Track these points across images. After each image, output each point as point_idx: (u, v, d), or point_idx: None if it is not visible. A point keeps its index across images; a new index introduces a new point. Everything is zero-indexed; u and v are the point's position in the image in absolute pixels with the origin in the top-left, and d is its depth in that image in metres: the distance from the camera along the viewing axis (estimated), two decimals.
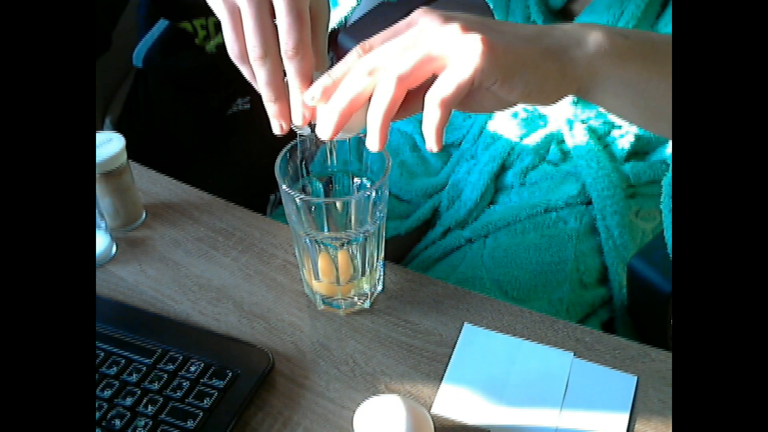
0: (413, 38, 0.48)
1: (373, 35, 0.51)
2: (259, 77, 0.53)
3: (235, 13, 0.52)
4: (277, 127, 0.54)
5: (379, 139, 0.48)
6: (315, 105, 0.51)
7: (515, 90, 0.48)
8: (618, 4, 0.76)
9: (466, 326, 0.64)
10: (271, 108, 0.54)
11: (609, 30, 0.49)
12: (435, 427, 0.55)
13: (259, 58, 0.52)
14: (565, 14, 0.84)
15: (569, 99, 0.85)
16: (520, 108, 0.91)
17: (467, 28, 0.47)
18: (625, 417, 0.57)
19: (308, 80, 0.52)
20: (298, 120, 0.53)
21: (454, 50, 0.46)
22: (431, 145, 0.47)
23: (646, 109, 0.52)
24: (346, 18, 0.82)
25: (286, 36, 0.51)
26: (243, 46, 0.53)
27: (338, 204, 0.61)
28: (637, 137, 0.85)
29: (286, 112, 0.54)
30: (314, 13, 0.54)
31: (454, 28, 0.47)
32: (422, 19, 0.49)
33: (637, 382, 0.59)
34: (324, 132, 0.50)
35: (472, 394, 0.59)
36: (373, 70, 0.48)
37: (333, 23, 0.81)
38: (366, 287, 0.65)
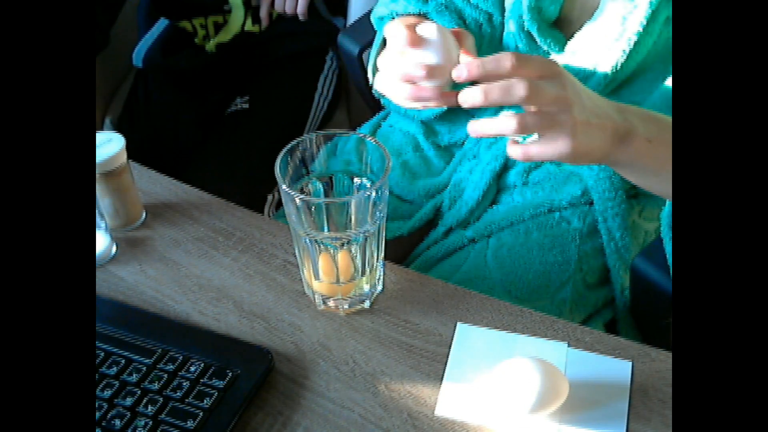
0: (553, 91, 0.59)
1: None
2: None
3: None
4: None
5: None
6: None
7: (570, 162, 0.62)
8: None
9: (460, 326, 0.64)
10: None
11: (640, 131, 0.63)
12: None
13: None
14: (558, 24, 0.84)
15: None
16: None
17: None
18: (624, 402, 0.58)
19: None
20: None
21: (555, 129, 0.60)
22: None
23: (648, 186, 0.70)
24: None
25: None
26: None
27: (338, 204, 0.61)
28: None
29: None
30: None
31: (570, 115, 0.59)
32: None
33: (633, 367, 0.60)
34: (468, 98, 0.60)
35: (473, 393, 0.59)
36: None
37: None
38: (366, 287, 0.65)
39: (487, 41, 0.88)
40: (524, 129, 0.59)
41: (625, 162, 0.65)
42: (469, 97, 0.60)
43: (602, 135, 0.61)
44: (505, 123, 0.60)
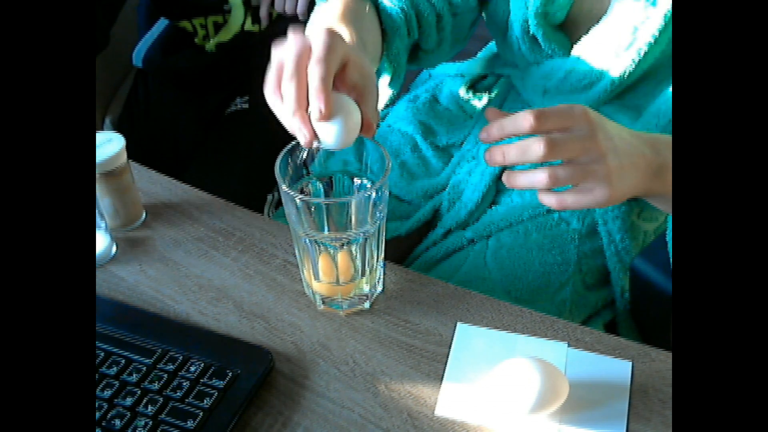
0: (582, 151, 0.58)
1: None
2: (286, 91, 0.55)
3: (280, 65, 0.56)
4: (302, 138, 0.56)
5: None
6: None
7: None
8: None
9: (460, 326, 0.64)
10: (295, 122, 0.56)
11: (672, 163, 0.61)
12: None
13: (289, 77, 0.55)
14: (562, 27, 0.83)
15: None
16: None
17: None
18: (624, 402, 0.58)
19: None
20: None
21: (589, 180, 0.59)
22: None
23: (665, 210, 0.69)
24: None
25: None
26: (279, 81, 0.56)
27: (338, 204, 0.61)
28: None
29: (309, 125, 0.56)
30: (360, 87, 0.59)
31: (604, 168, 0.58)
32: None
33: (633, 367, 0.60)
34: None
35: (473, 393, 0.59)
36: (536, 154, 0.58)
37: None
38: (366, 287, 0.65)
39: (450, 30, 0.85)
40: (556, 182, 0.58)
41: (659, 194, 0.64)
42: (491, 158, 0.60)
43: (636, 174, 0.60)
44: (536, 177, 0.59)
